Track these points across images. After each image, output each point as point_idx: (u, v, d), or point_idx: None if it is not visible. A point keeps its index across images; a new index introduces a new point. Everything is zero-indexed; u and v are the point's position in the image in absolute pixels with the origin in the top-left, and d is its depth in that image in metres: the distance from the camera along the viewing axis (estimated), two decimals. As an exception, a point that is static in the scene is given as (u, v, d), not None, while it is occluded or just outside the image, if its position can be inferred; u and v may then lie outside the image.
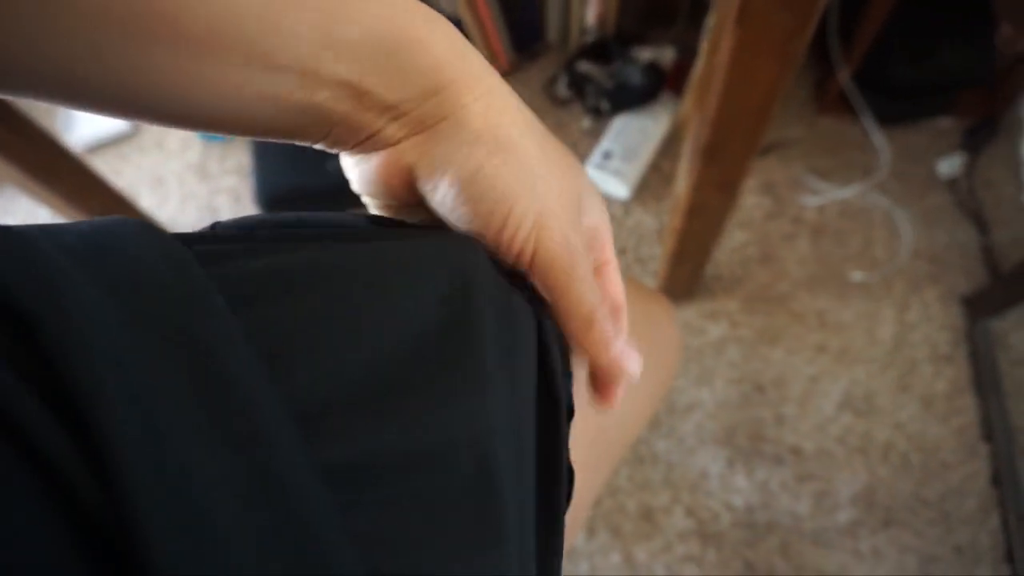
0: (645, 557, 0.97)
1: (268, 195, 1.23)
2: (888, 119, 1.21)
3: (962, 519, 0.97)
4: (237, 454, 0.16)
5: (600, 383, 0.30)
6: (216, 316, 0.18)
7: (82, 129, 1.41)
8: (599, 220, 0.30)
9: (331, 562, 0.17)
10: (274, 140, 0.25)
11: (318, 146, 0.25)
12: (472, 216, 0.25)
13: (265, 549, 0.16)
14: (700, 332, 1.11)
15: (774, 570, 0.96)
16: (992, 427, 1.00)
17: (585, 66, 1.27)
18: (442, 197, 0.25)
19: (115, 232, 0.20)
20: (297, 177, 1.22)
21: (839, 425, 1.03)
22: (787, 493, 1.00)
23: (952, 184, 1.18)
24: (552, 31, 1.34)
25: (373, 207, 0.29)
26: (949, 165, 1.18)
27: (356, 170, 0.27)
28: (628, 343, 0.29)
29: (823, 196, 1.19)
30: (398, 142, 0.25)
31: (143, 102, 0.21)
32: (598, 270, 0.31)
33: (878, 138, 1.21)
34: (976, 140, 1.19)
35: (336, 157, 0.27)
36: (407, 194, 0.26)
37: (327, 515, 0.17)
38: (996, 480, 0.98)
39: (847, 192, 1.19)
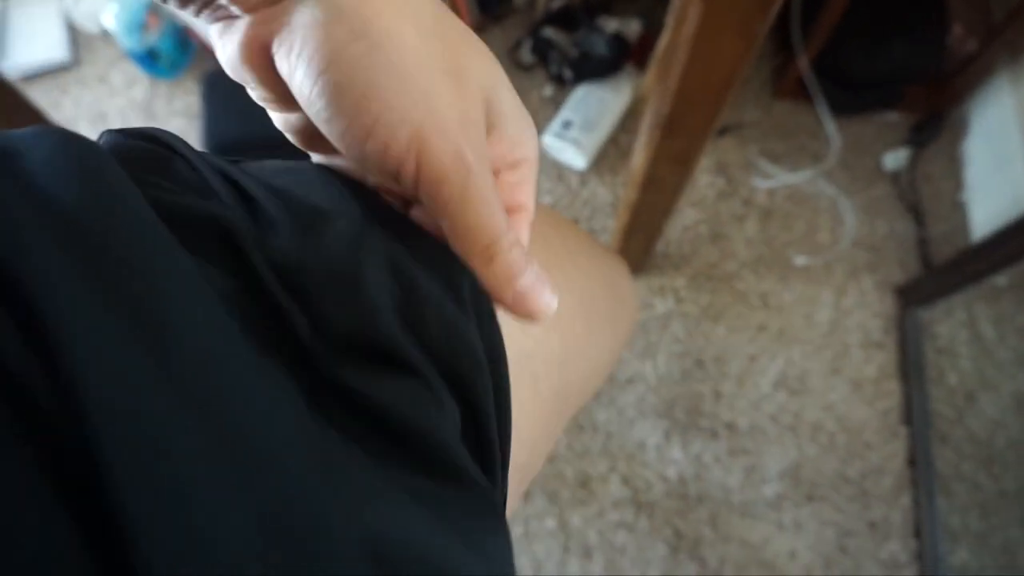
0: (579, 523, 1.00)
1: (217, 141, 1.18)
2: (841, 109, 1.24)
3: (878, 496, 1.02)
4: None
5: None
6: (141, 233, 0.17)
7: (18, 55, 1.32)
8: (525, 150, 0.25)
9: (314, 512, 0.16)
10: None
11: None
12: (334, 114, 0.21)
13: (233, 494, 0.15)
14: (647, 307, 1.13)
15: (701, 539, 0.99)
16: (913, 411, 1.06)
17: (550, 32, 1.25)
18: (299, 85, 0.21)
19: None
20: (248, 124, 1.17)
21: (773, 403, 1.07)
22: (719, 466, 1.04)
23: (895, 177, 1.22)
24: (519, -7, 1.31)
25: (256, 99, 0.25)
26: (894, 159, 1.22)
27: (221, 47, 0.23)
28: (539, 278, 0.25)
29: (774, 180, 1.21)
30: (255, 8, 0.21)
31: None
32: (510, 211, 0.26)
33: (830, 127, 1.24)
34: (921, 136, 1.23)
35: None
36: (273, 81, 0.22)
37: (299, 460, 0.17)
38: (912, 461, 1.04)
39: (797, 177, 1.21)
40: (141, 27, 1.22)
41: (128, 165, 0.21)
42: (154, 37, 1.25)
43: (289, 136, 0.26)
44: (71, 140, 0.19)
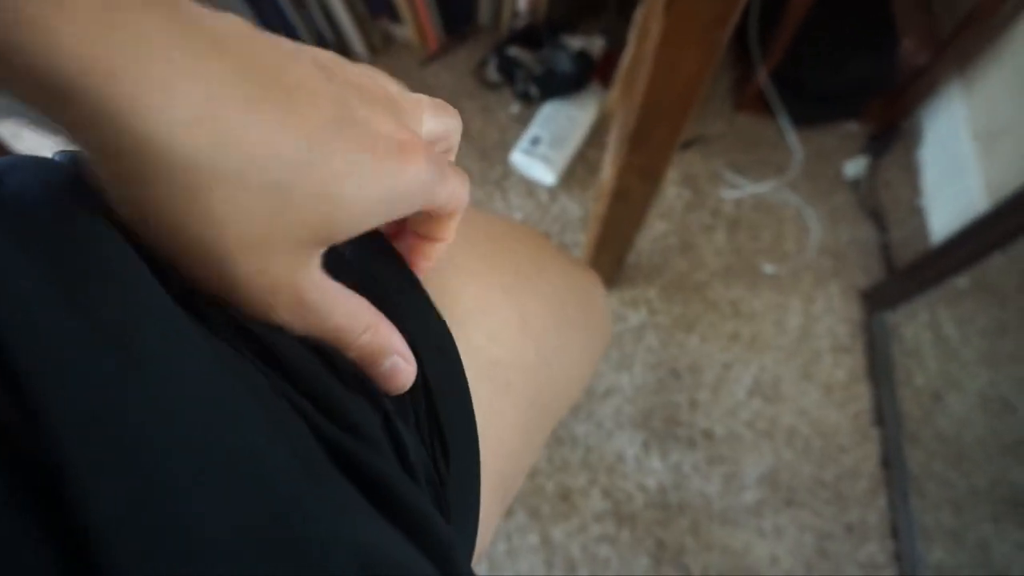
0: (562, 537, 0.99)
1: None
2: (801, 120, 1.27)
3: (854, 499, 1.03)
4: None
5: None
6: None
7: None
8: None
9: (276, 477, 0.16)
10: None
11: None
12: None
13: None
14: (621, 319, 1.13)
15: (684, 548, 0.99)
16: (883, 413, 1.08)
17: (515, 51, 1.26)
18: None
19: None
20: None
21: (748, 410, 1.08)
22: (698, 475, 1.04)
23: (856, 185, 1.26)
24: (484, 14, 1.33)
25: None
26: (854, 167, 1.25)
27: None
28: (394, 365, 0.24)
29: (740, 190, 1.24)
30: None
31: None
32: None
33: (792, 138, 1.27)
34: (879, 145, 1.27)
35: None
36: None
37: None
38: (885, 462, 1.05)
39: (762, 188, 1.24)
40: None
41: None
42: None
43: None
44: (40, 164, 0.19)
